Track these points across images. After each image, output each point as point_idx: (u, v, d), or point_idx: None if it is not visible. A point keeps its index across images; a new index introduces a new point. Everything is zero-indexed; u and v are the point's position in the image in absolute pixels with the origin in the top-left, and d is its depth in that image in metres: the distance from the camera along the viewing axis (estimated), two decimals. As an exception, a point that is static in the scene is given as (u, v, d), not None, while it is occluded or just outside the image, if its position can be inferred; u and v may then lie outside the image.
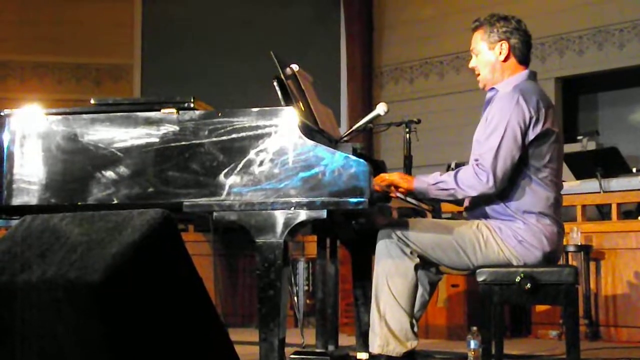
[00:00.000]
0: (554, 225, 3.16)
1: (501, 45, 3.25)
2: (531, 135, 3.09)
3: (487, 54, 3.28)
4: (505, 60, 3.25)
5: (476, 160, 3.11)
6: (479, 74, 3.33)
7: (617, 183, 5.59)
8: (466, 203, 3.33)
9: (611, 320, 5.24)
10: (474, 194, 3.11)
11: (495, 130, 3.08)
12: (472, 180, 3.07)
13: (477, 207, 3.22)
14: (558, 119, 3.23)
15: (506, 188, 3.12)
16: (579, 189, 5.68)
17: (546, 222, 3.14)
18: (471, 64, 3.36)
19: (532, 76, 3.28)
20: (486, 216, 3.19)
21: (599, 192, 5.57)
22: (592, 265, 5.27)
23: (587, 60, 7.45)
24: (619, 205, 5.47)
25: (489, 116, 3.15)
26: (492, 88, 3.27)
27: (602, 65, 7.42)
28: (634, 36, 7.23)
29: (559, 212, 3.23)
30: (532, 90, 3.17)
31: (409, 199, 3.45)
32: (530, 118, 3.07)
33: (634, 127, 7.80)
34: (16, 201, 3.10)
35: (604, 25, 7.34)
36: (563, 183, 5.71)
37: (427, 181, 3.15)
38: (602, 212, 5.98)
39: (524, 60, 3.28)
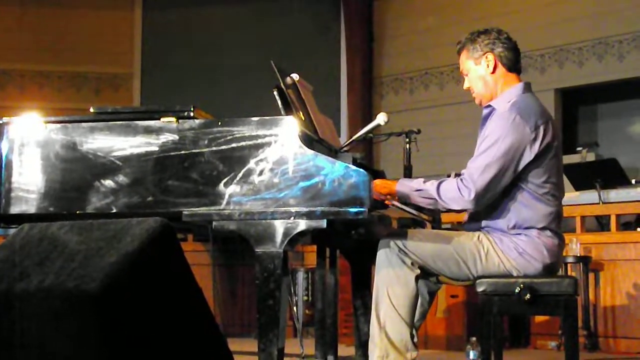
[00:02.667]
0: (554, 237, 3.15)
1: (486, 57, 3.23)
2: (529, 156, 3.05)
3: (475, 70, 3.26)
4: (494, 71, 3.23)
5: (462, 174, 3.09)
6: (473, 92, 3.32)
7: (616, 194, 5.59)
8: (465, 219, 3.32)
9: (610, 331, 5.23)
10: (455, 207, 3.11)
11: (488, 149, 3.05)
12: (454, 194, 3.05)
13: (476, 224, 3.21)
14: (557, 129, 3.22)
15: (508, 207, 3.11)
16: (578, 200, 5.68)
17: (547, 234, 3.13)
18: (465, 85, 3.36)
19: (528, 88, 3.25)
20: (486, 231, 3.18)
21: (598, 204, 5.58)
22: (591, 276, 5.27)
23: (587, 72, 7.47)
24: (618, 216, 5.47)
25: (485, 133, 3.12)
26: (488, 105, 3.26)
27: (601, 77, 7.43)
28: (633, 48, 7.24)
29: (560, 224, 3.22)
30: (529, 106, 3.14)
31: (407, 208, 3.44)
32: (527, 139, 3.04)
33: (633, 138, 7.81)
34: (14, 210, 3.09)
35: (603, 37, 7.36)
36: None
37: (411, 186, 3.13)
38: (601, 223, 5.98)
39: (514, 68, 3.26)
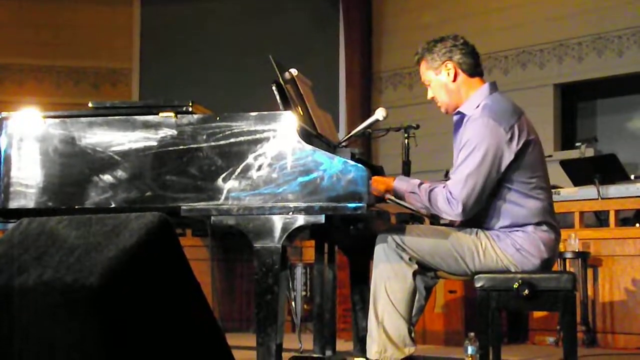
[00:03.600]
0: (551, 232, 3.16)
1: (446, 65, 3.23)
2: (509, 156, 3.06)
3: (437, 79, 3.26)
4: (455, 79, 3.23)
5: (449, 186, 3.10)
6: (438, 102, 3.32)
7: (615, 190, 5.59)
8: (457, 222, 3.33)
9: (608, 326, 5.24)
10: (446, 217, 3.13)
11: (466, 158, 3.06)
12: (444, 206, 3.07)
13: (472, 226, 3.21)
14: (530, 123, 3.20)
15: (500, 209, 3.12)
16: (576, 196, 5.68)
17: (543, 229, 3.14)
18: (429, 96, 3.35)
19: (494, 88, 3.24)
20: (483, 229, 3.18)
21: (597, 199, 5.58)
22: (590, 271, 5.27)
23: (586, 67, 7.46)
24: (616, 212, 5.47)
25: (462, 142, 3.12)
26: (458, 112, 3.25)
27: (601, 72, 7.42)
28: (633, 43, 7.24)
29: (554, 216, 3.23)
30: (500, 106, 3.13)
31: (406, 204, 3.44)
32: (504, 141, 3.04)
33: (632, 134, 7.81)
34: (13, 204, 3.09)
35: (603, 32, 7.35)
36: (561, 190, 5.74)
37: (407, 185, 3.15)
38: (600, 219, 5.98)
39: (475, 72, 3.25)
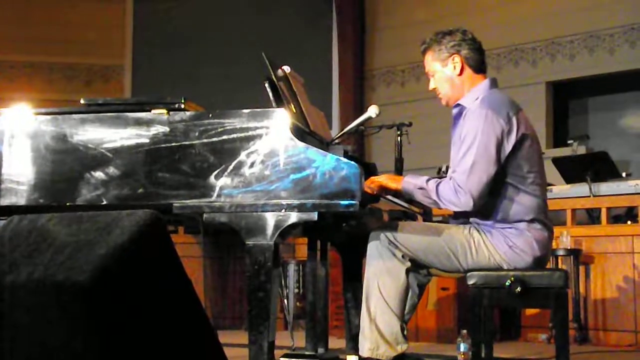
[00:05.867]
0: (544, 230, 3.16)
1: (453, 59, 3.24)
2: (508, 148, 3.07)
3: (442, 71, 3.27)
4: (461, 73, 3.24)
5: (455, 177, 3.10)
6: (439, 93, 3.32)
7: (606, 187, 5.61)
8: (452, 214, 3.33)
9: (600, 324, 5.25)
10: (455, 209, 3.12)
11: (468, 150, 3.06)
12: (452, 197, 3.06)
13: (463, 219, 3.21)
14: (528, 119, 3.22)
15: (494, 203, 3.11)
16: (568, 193, 5.70)
17: (537, 227, 3.13)
18: (430, 86, 3.35)
19: (494, 84, 3.26)
20: (476, 225, 3.18)
21: (589, 197, 5.59)
22: (582, 269, 5.28)
23: (578, 65, 7.48)
24: (608, 209, 5.49)
25: (462, 134, 3.13)
26: (457, 105, 3.26)
27: (592, 70, 7.45)
28: (624, 41, 7.25)
29: (547, 214, 3.23)
30: (499, 100, 3.15)
31: (399, 201, 3.44)
32: (502, 131, 3.06)
33: (624, 131, 7.83)
34: (4, 201, 3.08)
35: (595, 30, 7.37)
36: (553, 187, 5.75)
37: (415, 184, 3.15)
38: (591, 216, 6.00)
39: (480, 69, 3.27)
